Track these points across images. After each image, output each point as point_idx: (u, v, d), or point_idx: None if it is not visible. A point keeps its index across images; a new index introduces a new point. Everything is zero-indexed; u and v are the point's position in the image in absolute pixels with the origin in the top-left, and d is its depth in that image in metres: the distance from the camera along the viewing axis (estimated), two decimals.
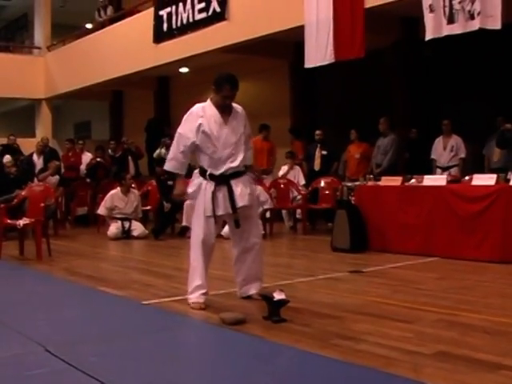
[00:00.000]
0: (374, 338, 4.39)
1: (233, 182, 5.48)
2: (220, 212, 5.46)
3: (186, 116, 5.56)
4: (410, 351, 4.06)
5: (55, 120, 21.18)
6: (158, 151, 14.58)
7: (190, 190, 5.62)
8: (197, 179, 5.56)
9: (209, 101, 5.58)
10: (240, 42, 12.73)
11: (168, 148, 14.28)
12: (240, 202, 5.47)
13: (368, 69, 12.57)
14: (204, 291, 5.51)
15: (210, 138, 5.43)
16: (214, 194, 5.43)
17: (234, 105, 5.63)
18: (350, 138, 12.47)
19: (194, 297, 5.48)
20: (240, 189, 5.50)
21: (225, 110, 5.53)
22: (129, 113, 21.22)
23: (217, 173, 5.47)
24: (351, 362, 3.86)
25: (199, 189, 5.50)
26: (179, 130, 5.53)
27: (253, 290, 5.72)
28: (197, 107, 5.57)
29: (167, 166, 5.60)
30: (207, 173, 5.48)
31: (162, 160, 13.02)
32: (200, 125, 5.42)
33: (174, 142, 5.56)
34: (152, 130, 17.50)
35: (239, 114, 5.62)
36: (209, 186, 5.46)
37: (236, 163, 5.51)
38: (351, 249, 8.85)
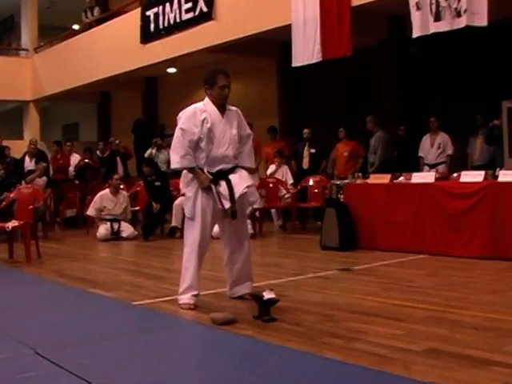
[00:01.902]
0: (364, 335, 4.40)
1: (229, 176, 5.48)
2: (228, 205, 5.43)
3: (185, 113, 5.49)
4: (401, 348, 4.07)
5: (43, 122, 21.12)
6: (149, 151, 14.61)
7: (188, 193, 5.57)
8: (193, 180, 5.51)
9: (207, 99, 5.55)
10: (227, 42, 12.73)
11: (159, 148, 14.41)
12: (241, 188, 5.44)
13: (355, 67, 12.60)
14: (195, 293, 5.50)
15: (212, 134, 5.41)
16: (216, 190, 5.42)
17: (228, 105, 5.63)
18: (338, 136, 12.50)
19: (185, 297, 5.47)
20: (237, 176, 5.49)
21: (221, 108, 5.52)
22: (117, 114, 21.19)
23: (213, 170, 5.46)
24: (342, 360, 3.86)
25: (197, 190, 5.48)
26: (181, 126, 5.42)
27: (245, 290, 5.72)
28: (197, 104, 5.53)
29: (183, 164, 5.40)
30: (204, 171, 5.46)
31: (150, 161, 13.03)
32: (205, 119, 5.41)
33: (179, 138, 5.40)
34: (139, 131, 17.49)
35: (233, 113, 5.62)
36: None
37: (231, 163, 5.52)
38: (340, 247, 8.86)
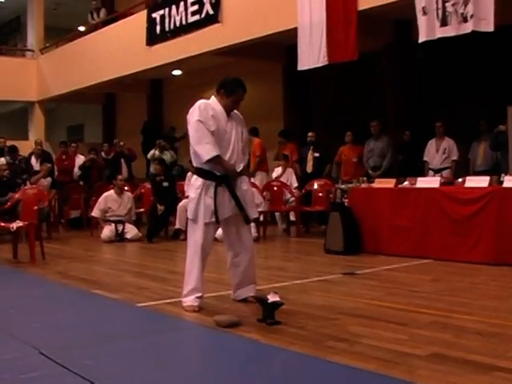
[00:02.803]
0: (368, 340, 4.40)
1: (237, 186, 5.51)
2: (227, 214, 5.46)
3: (199, 106, 5.42)
4: (405, 353, 4.07)
5: (48, 123, 21.15)
6: (151, 152, 14.64)
7: (192, 195, 5.57)
8: (197, 182, 5.51)
9: (214, 98, 5.56)
10: (233, 45, 12.74)
11: (162, 150, 14.46)
12: (247, 201, 5.53)
13: (361, 71, 12.60)
14: (199, 295, 5.50)
15: (219, 133, 5.41)
16: (215, 197, 5.41)
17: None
18: (344, 139, 12.50)
19: (189, 300, 5.47)
20: (244, 187, 5.56)
21: (227, 111, 5.55)
22: (122, 116, 21.22)
23: (218, 173, 5.45)
24: (346, 364, 3.86)
25: (201, 191, 5.45)
26: (198, 118, 5.34)
27: (248, 292, 5.72)
28: (205, 101, 5.50)
29: (214, 151, 5.28)
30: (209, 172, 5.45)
31: (162, 160, 13.06)
32: (213, 116, 5.41)
33: (202, 129, 5.32)
34: (149, 132, 17.50)
35: (237, 116, 5.68)
36: (210, 189, 5.43)
37: (237, 164, 5.53)
38: (345, 251, 8.86)
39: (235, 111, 5.68)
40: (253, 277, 5.78)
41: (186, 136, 16.91)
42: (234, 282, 5.77)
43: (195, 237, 5.49)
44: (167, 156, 14.46)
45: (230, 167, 5.44)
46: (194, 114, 5.41)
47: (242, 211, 5.49)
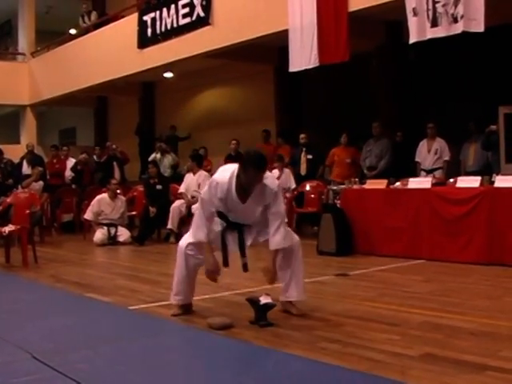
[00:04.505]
0: (360, 340, 4.40)
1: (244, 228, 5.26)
2: (232, 248, 5.27)
3: (210, 183, 5.10)
4: (397, 354, 4.07)
5: (40, 126, 21.13)
6: (153, 155, 14.61)
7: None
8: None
9: (236, 173, 4.98)
10: (224, 47, 12.75)
11: (163, 153, 14.48)
12: (257, 239, 5.32)
13: (352, 72, 12.60)
14: (188, 302, 5.44)
15: (229, 212, 5.13)
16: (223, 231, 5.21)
17: (265, 181, 4.99)
18: (336, 140, 12.48)
19: (177, 305, 5.42)
20: (251, 231, 5.30)
21: (246, 190, 5.01)
22: (114, 119, 21.17)
23: (230, 219, 5.20)
24: (339, 365, 3.87)
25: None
26: (203, 196, 5.14)
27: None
28: (223, 178, 5.01)
29: (196, 237, 5.09)
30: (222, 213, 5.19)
31: (155, 162, 13.08)
32: (221, 199, 5.01)
33: (199, 208, 5.15)
34: (144, 133, 17.49)
35: (263, 193, 5.02)
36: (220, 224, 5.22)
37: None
38: (337, 252, 8.87)
39: (268, 186, 5.00)
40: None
41: (189, 137, 16.83)
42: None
43: (183, 243, 5.29)
44: (168, 159, 14.46)
45: (208, 260, 5.12)
46: (205, 189, 5.18)
47: (243, 258, 5.29)
